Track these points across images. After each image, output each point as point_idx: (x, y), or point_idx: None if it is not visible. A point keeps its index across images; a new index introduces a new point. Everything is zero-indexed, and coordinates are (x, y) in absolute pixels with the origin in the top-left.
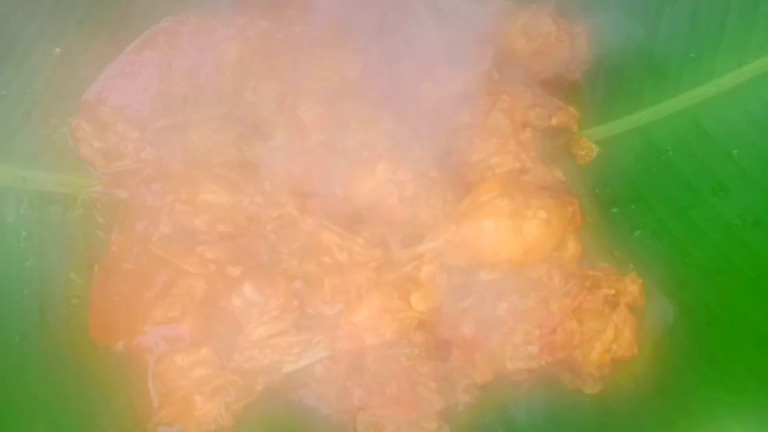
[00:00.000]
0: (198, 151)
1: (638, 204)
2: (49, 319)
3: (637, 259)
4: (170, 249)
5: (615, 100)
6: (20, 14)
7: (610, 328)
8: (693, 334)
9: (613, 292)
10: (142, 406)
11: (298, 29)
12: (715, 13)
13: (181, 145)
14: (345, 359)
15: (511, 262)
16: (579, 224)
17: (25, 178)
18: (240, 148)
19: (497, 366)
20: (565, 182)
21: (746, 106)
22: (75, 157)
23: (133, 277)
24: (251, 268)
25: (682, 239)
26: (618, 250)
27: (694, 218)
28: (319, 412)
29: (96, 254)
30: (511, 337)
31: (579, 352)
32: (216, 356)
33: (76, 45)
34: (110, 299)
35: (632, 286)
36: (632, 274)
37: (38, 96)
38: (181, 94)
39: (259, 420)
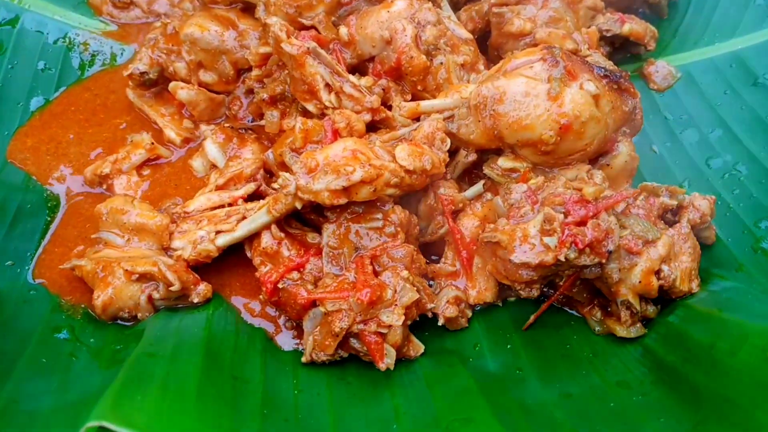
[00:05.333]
0: None
1: (723, 131)
2: None
3: (713, 191)
4: (143, 97)
5: (705, 26)
6: None
7: (664, 241)
8: None
9: (674, 203)
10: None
11: None
12: None
13: None
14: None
15: (540, 145)
16: (638, 127)
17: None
18: None
19: (501, 272)
20: (627, 73)
21: None
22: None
23: (99, 105)
24: (224, 128)
25: None
26: (688, 181)
27: None
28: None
29: (64, 83)
30: (523, 225)
31: (615, 266)
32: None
33: None
34: (55, 125)
35: (701, 201)
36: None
37: None
38: None
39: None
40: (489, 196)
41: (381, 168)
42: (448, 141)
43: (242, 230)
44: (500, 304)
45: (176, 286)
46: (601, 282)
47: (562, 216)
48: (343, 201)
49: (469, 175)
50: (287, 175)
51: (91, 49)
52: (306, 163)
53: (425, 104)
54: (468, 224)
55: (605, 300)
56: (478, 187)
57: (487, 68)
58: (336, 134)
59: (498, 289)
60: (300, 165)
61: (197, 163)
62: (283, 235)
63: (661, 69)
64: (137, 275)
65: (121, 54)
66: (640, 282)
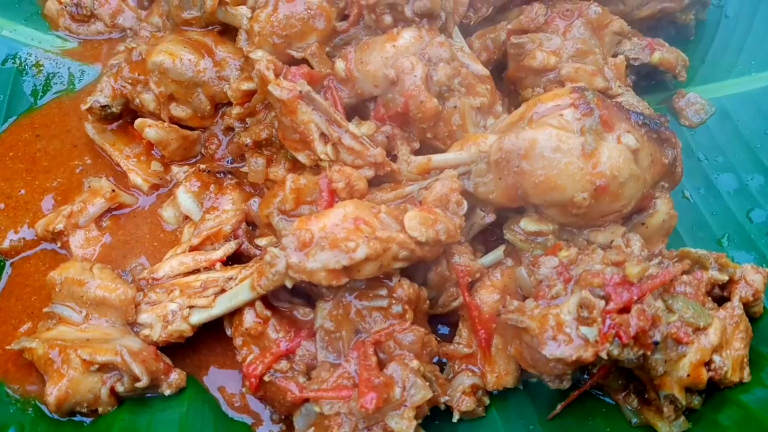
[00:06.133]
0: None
1: (764, 178)
2: None
3: (757, 252)
4: (105, 132)
5: (738, 52)
6: None
7: (716, 327)
8: None
9: (725, 278)
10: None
11: None
12: None
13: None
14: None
15: (570, 207)
16: (678, 180)
17: None
18: None
19: (526, 359)
20: (666, 119)
21: None
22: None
23: (39, 152)
24: (199, 172)
25: None
26: (728, 237)
27: None
28: None
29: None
30: (555, 310)
31: (661, 358)
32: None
33: None
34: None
35: (755, 275)
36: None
37: None
38: None
39: None
40: (509, 262)
41: (388, 241)
42: (465, 204)
43: (221, 307)
44: (521, 387)
45: (144, 381)
46: (641, 371)
47: (602, 302)
48: (342, 281)
49: (484, 233)
50: (275, 250)
51: (46, 71)
52: (299, 236)
53: (437, 159)
54: (486, 298)
55: (641, 384)
56: (497, 253)
57: (505, 108)
58: (333, 195)
59: (520, 372)
60: (292, 238)
61: (168, 214)
62: (269, 313)
63: (693, 102)
64: (97, 365)
65: (81, 76)
66: (688, 375)
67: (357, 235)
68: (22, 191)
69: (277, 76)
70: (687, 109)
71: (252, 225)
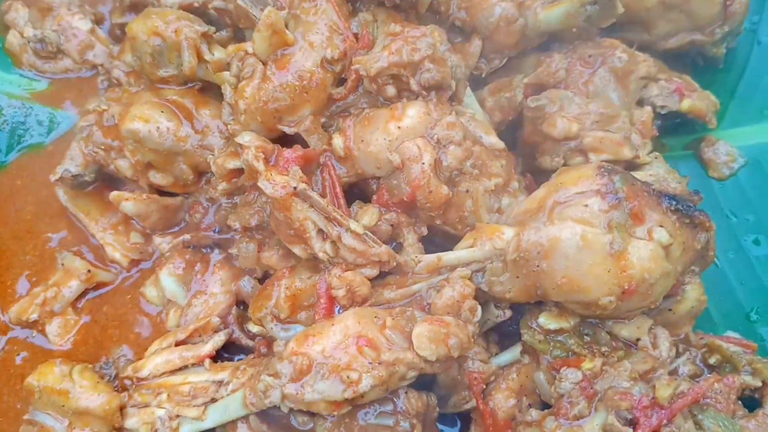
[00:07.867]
0: (144, 53)
1: None
2: None
3: None
4: (77, 197)
5: None
6: None
7: None
8: None
9: (758, 384)
10: None
11: None
12: None
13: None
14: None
15: (594, 308)
16: (709, 262)
17: None
18: (202, 50)
19: None
20: (699, 197)
21: None
22: None
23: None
24: (183, 248)
25: None
26: (757, 311)
27: None
28: None
29: None
30: None
31: None
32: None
33: None
34: None
35: None
36: None
37: None
38: None
39: None
40: (525, 358)
41: (395, 363)
42: (479, 310)
43: (212, 421)
44: None
45: None
46: None
47: (629, 430)
48: (344, 410)
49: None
50: (269, 380)
51: (10, 120)
52: (296, 363)
53: (448, 258)
54: (502, 403)
55: None
56: (514, 353)
57: (521, 186)
58: (332, 301)
59: None
60: (287, 366)
61: (151, 293)
62: (265, 428)
63: (722, 152)
64: None
65: (50, 126)
66: None
67: (359, 363)
68: None
69: (267, 161)
70: (716, 159)
71: (242, 304)
